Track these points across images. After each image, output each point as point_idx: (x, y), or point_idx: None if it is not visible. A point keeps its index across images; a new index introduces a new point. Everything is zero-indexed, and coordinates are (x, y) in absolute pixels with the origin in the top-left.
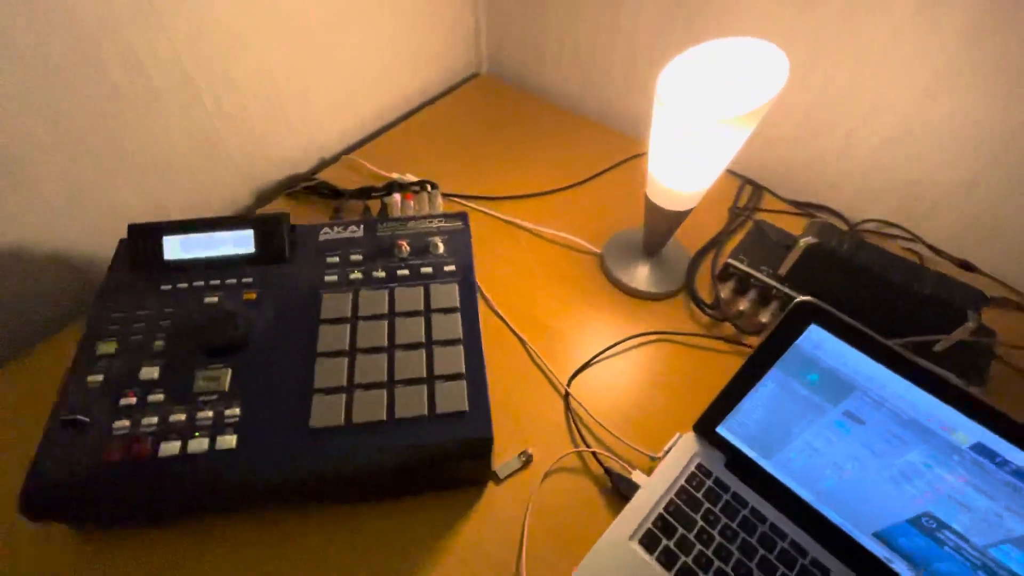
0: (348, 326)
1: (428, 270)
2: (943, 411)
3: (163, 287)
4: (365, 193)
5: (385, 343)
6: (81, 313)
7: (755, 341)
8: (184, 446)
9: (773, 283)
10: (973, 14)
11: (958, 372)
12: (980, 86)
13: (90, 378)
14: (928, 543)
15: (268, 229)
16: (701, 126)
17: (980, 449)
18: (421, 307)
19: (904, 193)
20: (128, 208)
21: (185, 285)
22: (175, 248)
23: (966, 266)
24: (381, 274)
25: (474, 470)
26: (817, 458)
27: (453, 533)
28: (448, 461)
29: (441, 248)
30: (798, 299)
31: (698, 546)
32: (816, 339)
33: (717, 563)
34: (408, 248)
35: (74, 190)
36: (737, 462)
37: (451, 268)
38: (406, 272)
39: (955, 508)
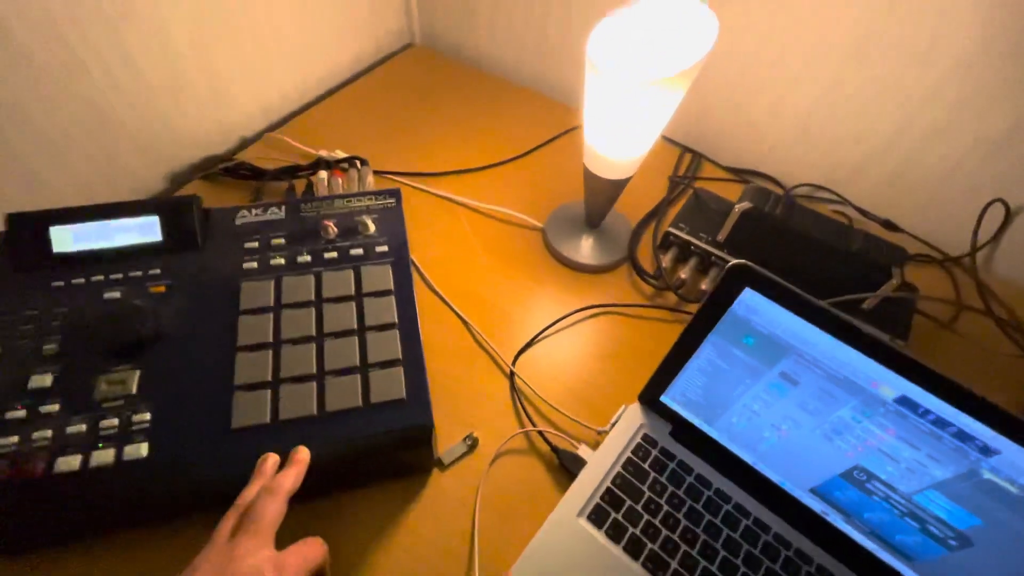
0: (271, 315)
1: (358, 252)
2: (869, 366)
3: (54, 283)
4: (290, 172)
5: (313, 332)
6: None
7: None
8: (86, 460)
9: (712, 249)
10: None
11: (884, 327)
12: (899, 49)
13: None
14: (859, 494)
15: (176, 214)
16: (632, 88)
17: (903, 401)
18: (352, 291)
19: (830, 157)
20: (5, 197)
21: (81, 280)
22: (65, 239)
23: (889, 225)
24: (306, 258)
25: (416, 458)
26: (756, 420)
27: (399, 524)
28: (387, 452)
29: (372, 228)
30: (731, 263)
31: (645, 516)
32: (750, 302)
33: (664, 532)
34: (335, 229)
35: None
36: (682, 430)
37: (383, 248)
38: (334, 255)
39: (883, 459)
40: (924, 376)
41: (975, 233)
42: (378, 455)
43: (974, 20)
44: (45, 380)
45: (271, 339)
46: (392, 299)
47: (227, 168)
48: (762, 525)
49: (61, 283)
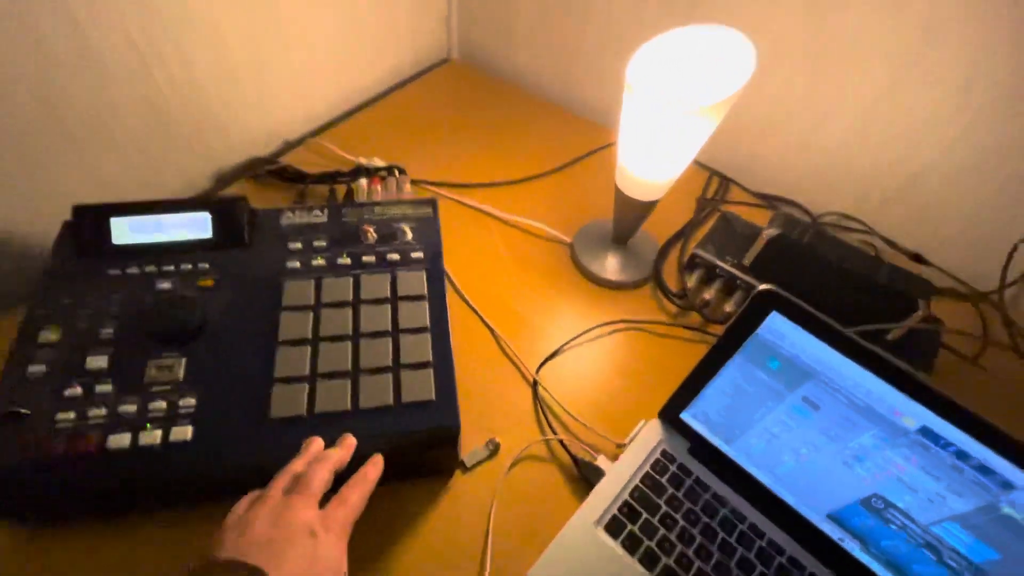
0: (311, 313)
1: (395, 257)
2: (893, 396)
3: (111, 272)
4: (331, 177)
5: (350, 331)
6: (18, 301)
7: (720, 330)
8: (135, 438)
9: (737, 273)
10: (930, 12)
11: (908, 359)
12: (934, 83)
13: (31, 368)
14: (876, 522)
15: (226, 212)
16: (671, 115)
17: (926, 432)
18: (387, 294)
19: (860, 186)
20: (70, 187)
21: (136, 270)
22: (124, 231)
23: (918, 258)
24: (346, 260)
25: (441, 459)
26: (775, 443)
27: (419, 522)
28: (414, 450)
29: (409, 235)
30: (759, 287)
31: (661, 530)
32: (776, 327)
33: (680, 547)
34: (375, 234)
35: (7, 166)
36: (700, 448)
37: (419, 255)
38: (372, 259)
39: (902, 489)
40: (947, 408)
41: (1004, 270)
42: (405, 453)
43: (1008, 64)
44: (101, 361)
45: (310, 336)
46: (425, 304)
47: (272, 170)
48: (776, 547)
49: (118, 272)
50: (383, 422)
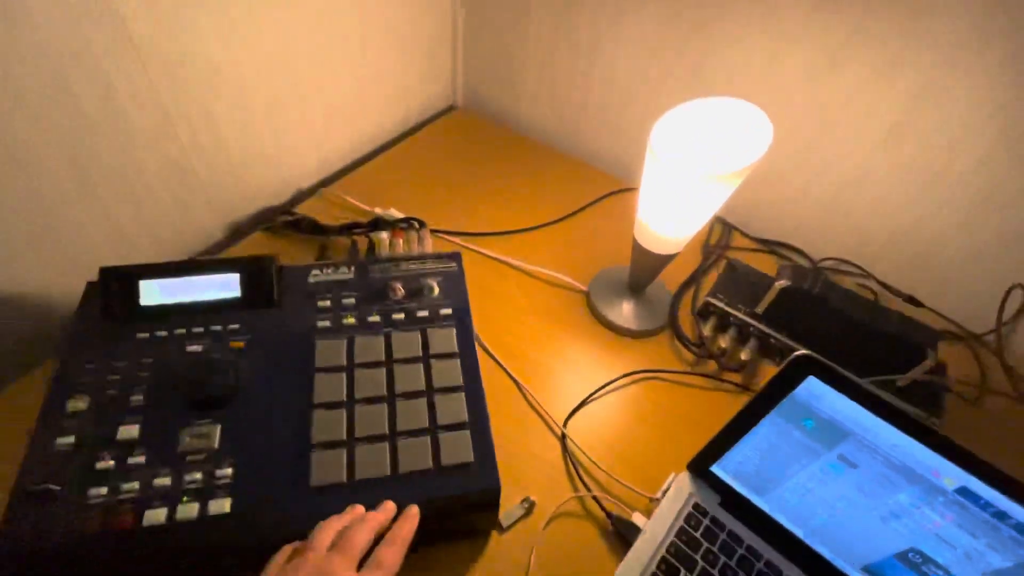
0: (345, 375)
1: (424, 313)
2: (931, 458)
3: (139, 335)
4: (348, 229)
5: (384, 392)
6: (36, 364)
7: (737, 378)
8: (172, 513)
9: (751, 321)
10: (923, 76)
11: (918, 406)
12: (929, 138)
13: (60, 440)
14: None
15: (255, 272)
16: (694, 180)
17: (964, 492)
18: (419, 353)
19: (858, 233)
20: (93, 242)
21: (164, 333)
22: (152, 293)
23: (913, 301)
24: (376, 318)
25: (479, 521)
26: (810, 497)
27: None
28: (454, 514)
29: (436, 290)
30: (797, 352)
31: None
32: (813, 389)
33: None
34: (402, 290)
35: (35, 224)
36: (731, 500)
37: (447, 311)
38: (401, 316)
39: (940, 544)
40: (985, 471)
41: (1000, 312)
42: (445, 516)
43: (989, 127)
44: (132, 431)
45: (345, 398)
46: (457, 362)
47: (288, 222)
48: None
49: (147, 335)
50: (423, 487)
